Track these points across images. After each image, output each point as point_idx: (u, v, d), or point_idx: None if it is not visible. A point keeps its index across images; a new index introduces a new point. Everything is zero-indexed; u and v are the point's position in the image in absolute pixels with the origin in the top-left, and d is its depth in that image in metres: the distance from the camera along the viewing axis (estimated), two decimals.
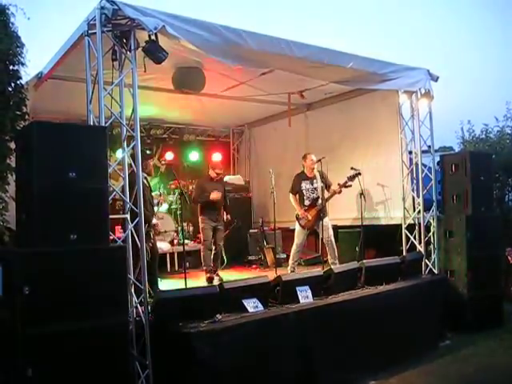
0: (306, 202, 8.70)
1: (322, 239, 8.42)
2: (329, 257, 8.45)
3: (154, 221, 7.05)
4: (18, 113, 6.04)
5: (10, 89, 5.96)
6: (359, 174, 8.30)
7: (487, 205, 8.10)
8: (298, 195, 8.84)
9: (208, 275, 8.62)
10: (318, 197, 8.58)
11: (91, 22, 5.04)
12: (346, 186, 8.42)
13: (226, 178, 11.93)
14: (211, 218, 8.74)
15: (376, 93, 8.78)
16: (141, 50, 5.07)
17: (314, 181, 8.67)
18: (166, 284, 7.88)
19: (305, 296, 6.05)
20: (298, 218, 8.71)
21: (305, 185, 8.73)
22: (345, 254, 9.06)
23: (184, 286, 6.77)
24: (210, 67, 7.27)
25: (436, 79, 8.01)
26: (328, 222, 8.53)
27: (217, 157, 12.18)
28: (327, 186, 8.67)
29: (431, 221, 8.17)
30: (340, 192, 8.47)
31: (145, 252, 5.13)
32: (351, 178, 8.33)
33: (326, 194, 8.58)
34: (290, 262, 8.79)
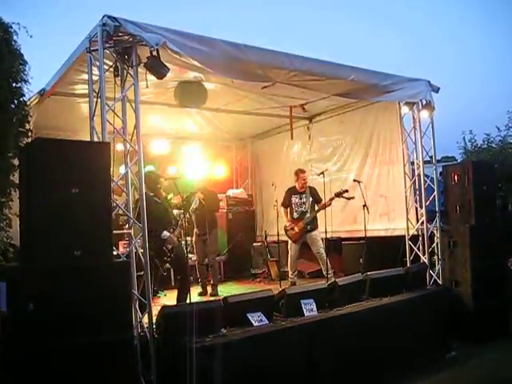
0: (295, 215, 8.99)
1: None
2: (322, 268, 8.52)
3: (165, 234, 7.03)
4: (21, 129, 6.06)
5: (12, 106, 5.98)
6: (346, 191, 8.54)
7: (490, 214, 8.07)
8: (288, 209, 9.09)
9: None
10: (306, 211, 8.82)
11: (93, 39, 5.08)
12: (331, 201, 8.63)
13: (229, 192, 11.96)
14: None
15: (377, 104, 8.82)
16: (143, 66, 5.11)
17: (303, 195, 8.93)
18: (169, 298, 7.87)
19: (309, 309, 6.03)
20: (285, 230, 9.00)
21: (294, 199, 9.02)
22: (349, 266, 9.07)
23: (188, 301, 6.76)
24: (211, 82, 7.31)
25: (437, 90, 8.02)
26: (317, 234, 8.76)
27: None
28: (316, 201, 8.90)
29: (435, 231, 8.16)
30: (329, 205, 8.67)
31: (148, 266, 5.13)
32: (338, 195, 8.56)
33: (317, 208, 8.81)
34: (290, 273, 9.00)
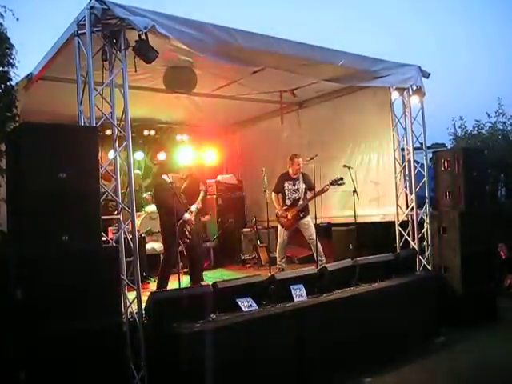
0: (288, 202, 8.81)
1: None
2: (314, 255, 8.47)
3: (187, 215, 7.47)
4: (8, 114, 6.00)
5: None
6: (341, 178, 8.38)
7: (480, 200, 8.10)
8: (280, 195, 8.93)
9: None
10: (300, 198, 8.70)
11: (81, 23, 5.01)
12: (326, 190, 8.50)
13: (219, 178, 11.93)
14: None
15: (368, 90, 8.78)
16: (131, 50, 5.05)
17: (297, 182, 8.76)
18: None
19: (299, 294, 6.04)
20: (277, 217, 8.84)
21: (287, 185, 8.83)
22: (339, 252, 9.08)
23: (178, 286, 6.75)
24: (201, 66, 7.25)
25: (427, 76, 8.01)
26: (309, 220, 8.61)
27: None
28: (309, 188, 8.76)
29: (424, 217, 8.18)
30: (327, 189, 8.51)
31: (137, 252, 5.10)
32: (333, 183, 8.41)
33: (309, 195, 8.69)
34: (278, 259, 8.91)
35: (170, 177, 7.51)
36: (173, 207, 7.13)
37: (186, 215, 7.45)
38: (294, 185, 8.79)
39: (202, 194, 8.23)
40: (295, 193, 8.77)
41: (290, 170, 8.87)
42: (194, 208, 7.77)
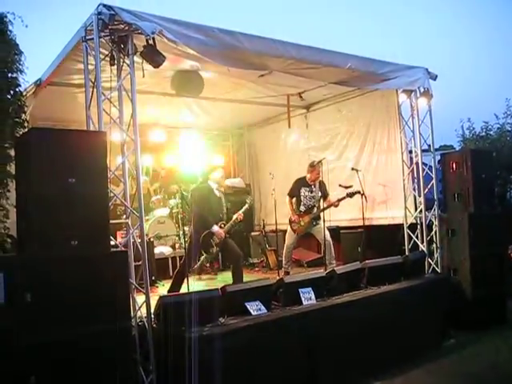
0: (302, 208, 8.75)
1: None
2: (326, 256, 8.42)
3: (215, 228, 7.42)
4: (17, 120, 6.05)
5: (8, 96, 5.96)
6: (358, 192, 8.25)
7: (489, 202, 8.07)
8: (295, 199, 8.86)
9: None
10: (314, 205, 8.64)
11: (88, 28, 5.05)
12: (343, 199, 8.43)
13: (227, 182, 11.93)
14: None
15: (375, 92, 8.78)
16: (139, 55, 5.08)
17: (314, 189, 8.69)
18: (168, 288, 7.86)
19: (308, 298, 6.03)
20: (290, 222, 8.79)
21: (304, 191, 8.75)
22: (347, 255, 9.07)
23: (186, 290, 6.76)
24: (208, 70, 7.27)
25: (435, 78, 7.99)
26: (321, 223, 8.49)
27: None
28: (324, 196, 8.71)
29: (433, 220, 8.16)
30: (337, 205, 8.47)
31: (146, 256, 5.11)
32: (350, 195, 8.32)
33: (322, 204, 8.65)
34: (284, 262, 8.87)
35: (218, 182, 7.78)
36: (200, 215, 7.34)
37: (215, 227, 7.40)
38: (310, 192, 8.72)
39: (246, 206, 8.35)
40: (311, 200, 8.71)
41: (309, 176, 8.74)
42: (234, 217, 7.86)
